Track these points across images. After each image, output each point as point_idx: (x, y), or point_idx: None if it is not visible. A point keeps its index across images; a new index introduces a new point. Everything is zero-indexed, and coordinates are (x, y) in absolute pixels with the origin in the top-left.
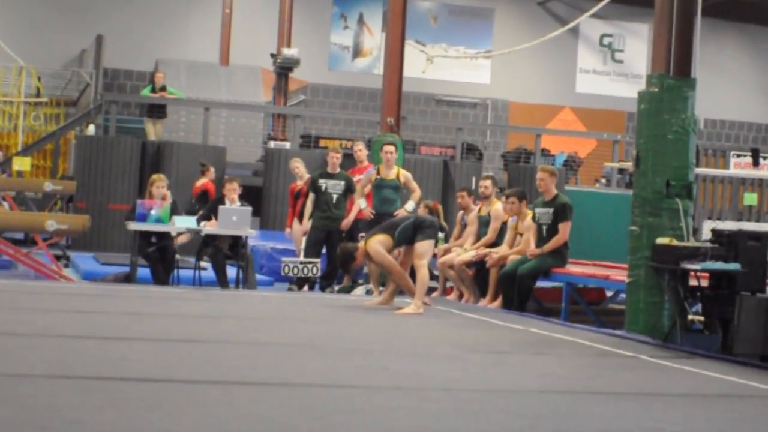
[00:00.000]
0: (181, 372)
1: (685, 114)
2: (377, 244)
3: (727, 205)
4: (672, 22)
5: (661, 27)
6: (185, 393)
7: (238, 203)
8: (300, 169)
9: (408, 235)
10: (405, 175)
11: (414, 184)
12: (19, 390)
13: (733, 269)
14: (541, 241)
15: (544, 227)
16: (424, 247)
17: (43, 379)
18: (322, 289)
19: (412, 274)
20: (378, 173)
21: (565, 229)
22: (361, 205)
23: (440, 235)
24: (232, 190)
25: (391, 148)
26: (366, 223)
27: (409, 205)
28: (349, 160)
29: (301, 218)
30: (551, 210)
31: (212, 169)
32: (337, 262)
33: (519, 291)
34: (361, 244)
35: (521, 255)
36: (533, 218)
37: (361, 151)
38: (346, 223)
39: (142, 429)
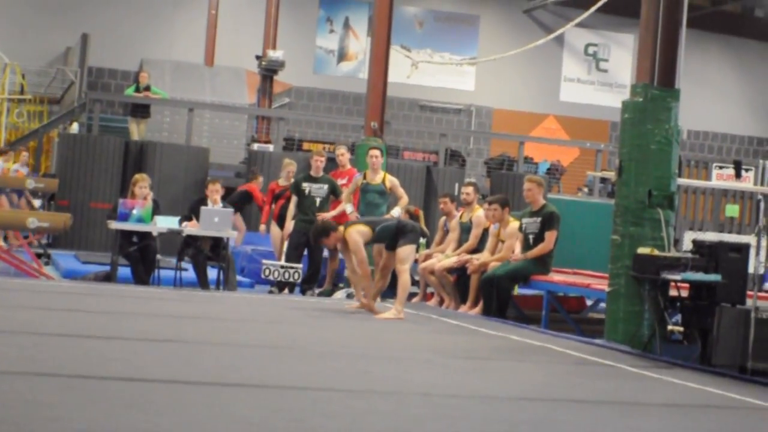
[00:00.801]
0: (160, 372)
1: (668, 124)
2: (357, 233)
3: (708, 217)
4: (657, 33)
5: (646, 37)
6: (164, 393)
7: (221, 204)
8: (292, 171)
9: (388, 234)
10: (392, 180)
11: (401, 191)
12: None
13: (714, 280)
14: (527, 250)
15: (531, 236)
16: (406, 252)
17: (21, 376)
18: (303, 292)
19: (394, 281)
20: (364, 177)
21: (550, 237)
22: (347, 210)
23: (422, 240)
24: (215, 191)
25: (377, 152)
26: None
27: (395, 211)
28: (332, 163)
29: (282, 221)
30: (539, 219)
31: (260, 178)
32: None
33: (498, 293)
34: (341, 228)
35: (503, 262)
36: (520, 228)
37: (343, 155)
38: (324, 216)
39: (120, 428)
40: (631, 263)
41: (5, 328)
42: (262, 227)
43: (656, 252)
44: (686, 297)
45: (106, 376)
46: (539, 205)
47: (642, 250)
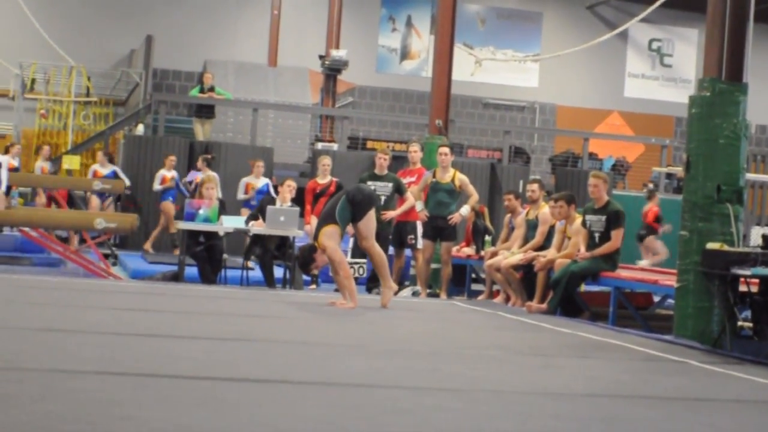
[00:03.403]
0: (229, 370)
1: (736, 119)
2: (327, 238)
3: None
4: (724, 26)
5: (713, 31)
6: (233, 391)
7: (290, 203)
8: (328, 167)
9: (347, 212)
10: (461, 179)
11: (471, 189)
12: (69, 386)
13: None
14: (592, 248)
15: (597, 234)
16: (368, 227)
17: (92, 375)
18: (369, 290)
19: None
20: (434, 176)
21: (617, 235)
22: (417, 207)
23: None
24: (288, 190)
25: (446, 150)
26: (413, 225)
27: (465, 210)
28: (397, 161)
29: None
30: (603, 217)
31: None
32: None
33: (565, 287)
34: (317, 243)
35: (569, 259)
36: (583, 224)
37: (416, 152)
38: (391, 215)
39: (191, 426)
40: (700, 259)
41: (75, 327)
42: (307, 227)
43: (725, 247)
44: (756, 292)
45: (177, 374)
46: (603, 201)
47: (711, 246)
